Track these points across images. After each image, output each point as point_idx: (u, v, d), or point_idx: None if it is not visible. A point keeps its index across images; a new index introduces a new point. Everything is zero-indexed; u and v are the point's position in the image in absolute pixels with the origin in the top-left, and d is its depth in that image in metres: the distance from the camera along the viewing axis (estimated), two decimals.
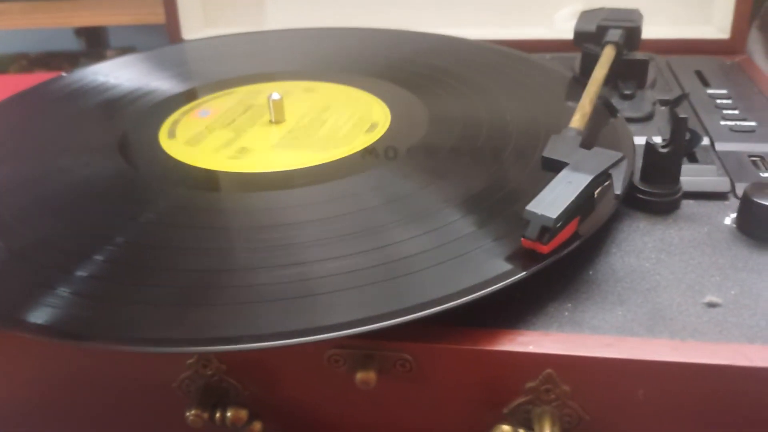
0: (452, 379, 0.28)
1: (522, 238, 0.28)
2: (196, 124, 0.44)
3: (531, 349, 0.27)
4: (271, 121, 0.43)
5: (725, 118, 0.44)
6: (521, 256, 0.29)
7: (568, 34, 0.49)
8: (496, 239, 0.30)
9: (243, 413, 0.30)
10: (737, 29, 0.57)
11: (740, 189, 0.36)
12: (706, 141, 0.41)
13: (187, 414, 0.30)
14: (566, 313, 0.29)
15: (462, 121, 0.41)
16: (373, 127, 0.39)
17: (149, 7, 0.77)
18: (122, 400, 0.32)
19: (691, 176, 0.37)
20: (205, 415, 0.30)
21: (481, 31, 0.60)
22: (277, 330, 0.26)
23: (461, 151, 0.38)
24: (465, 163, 0.37)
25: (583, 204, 0.29)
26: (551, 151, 0.32)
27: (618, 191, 0.30)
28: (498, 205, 0.33)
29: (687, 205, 0.36)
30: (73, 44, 0.87)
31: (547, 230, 0.28)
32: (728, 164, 0.39)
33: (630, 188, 0.35)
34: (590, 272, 0.32)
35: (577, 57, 0.48)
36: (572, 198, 0.28)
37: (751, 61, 0.55)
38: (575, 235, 0.29)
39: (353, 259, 0.29)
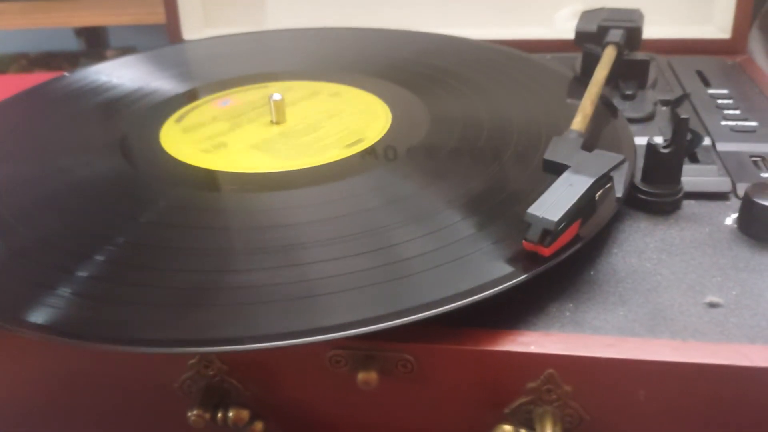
0: (454, 379, 0.28)
1: (523, 241, 0.28)
2: (209, 112, 0.44)
3: (532, 349, 0.27)
4: (272, 122, 0.43)
5: (726, 118, 0.44)
6: (522, 259, 0.29)
7: (568, 34, 0.49)
8: (497, 241, 0.30)
9: (244, 413, 0.30)
10: (738, 29, 0.57)
11: (741, 189, 0.36)
12: (707, 141, 0.41)
13: (189, 414, 0.30)
14: (567, 314, 0.29)
15: (462, 122, 0.41)
16: (357, 142, 0.39)
17: (149, 7, 0.77)
18: (123, 401, 0.32)
19: (693, 176, 0.37)
20: (207, 416, 0.30)
21: (482, 31, 0.60)
22: (279, 330, 0.26)
23: (462, 152, 0.38)
24: (466, 163, 0.37)
25: (584, 207, 0.29)
26: (552, 154, 0.32)
27: (619, 194, 0.30)
28: (499, 206, 0.33)
29: (688, 205, 0.36)
30: (73, 44, 0.87)
31: (548, 233, 0.28)
32: (729, 164, 0.39)
33: (631, 188, 0.35)
34: (591, 272, 0.32)
35: (577, 57, 0.48)
36: (573, 201, 0.28)
37: (752, 60, 0.55)
38: (576, 238, 0.30)
39: (354, 260, 0.29)
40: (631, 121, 0.43)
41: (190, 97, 0.48)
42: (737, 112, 0.44)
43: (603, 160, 0.31)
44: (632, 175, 0.36)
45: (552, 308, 0.30)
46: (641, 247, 0.33)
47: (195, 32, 0.65)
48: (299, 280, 0.29)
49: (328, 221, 0.32)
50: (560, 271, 0.30)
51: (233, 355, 0.29)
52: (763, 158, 0.39)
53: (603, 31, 0.47)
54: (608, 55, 0.44)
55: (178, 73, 0.52)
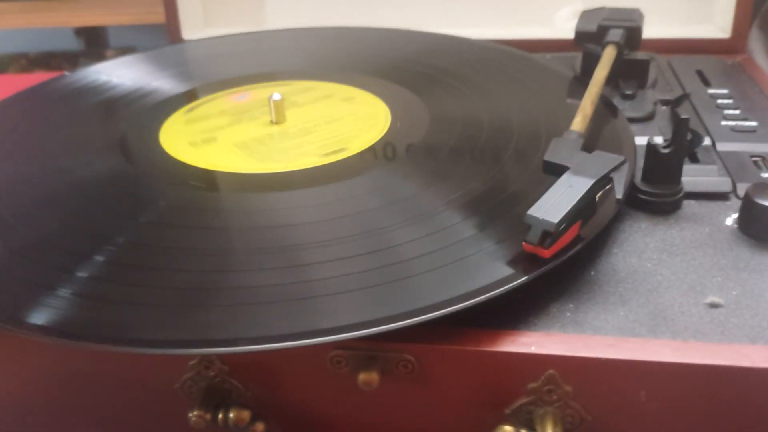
0: (454, 379, 0.28)
1: (523, 243, 0.28)
2: (221, 105, 0.45)
3: (533, 349, 0.27)
4: (271, 121, 0.43)
5: (726, 118, 0.44)
6: (522, 260, 0.29)
7: (568, 33, 0.49)
8: (498, 242, 0.30)
9: (246, 414, 0.30)
10: (738, 28, 0.57)
11: (741, 189, 0.36)
12: (707, 141, 0.41)
13: (190, 415, 0.30)
14: (568, 314, 0.29)
15: (462, 121, 0.41)
16: (337, 151, 0.39)
17: (149, 6, 0.77)
18: (124, 401, 0.32)
19: (693, 176, 0.37)
20: (208, 416, 0.30)
21: (482, 31, 0.60)
22: (279, 331, 0.26)
23: (462, 152, 0.38)
24: (466, 164, 0.37)
25: (584, 208, 0.29)
26: (552, 155, 0.32)
27: (619, 195, 0.30)
28: (499, 207, 0.33)
29: (688, 205, 0.36)
30: (73, 44, 0.87)
31: (548, 235, 0.28)
32: (729, 164, 0.39)
33: (631, 189, 0.35)
34: (592, 273, 0.31)
35: (577, 57, 0.48)
36: (574, 202, 0.28)
37: (751, 60, 0.55)
38: (577, 239, 0.29)
39: (354, 261, 0.29)
40: (631, 120, 0.43)
41: (189, 96, 0.48)
42: (737, 111, 0.44)
43: (603, 161, 0.31)
44: (632, 175, 0.36)
45: (552, 309, 0.29)
46: (641, 248, 0.33)
47: (195, 32, 0.65)
48: (299, 280, 0.29)
49: (328, 222, 0.32)
50: (561, 271, 0.30)
51: (234, 356, 0.29)
52: (763, 158, 0.39)
53: (603, 30, 0.47)
54: (608, 55, 0.44)
55: (177, 73, 0.52)
